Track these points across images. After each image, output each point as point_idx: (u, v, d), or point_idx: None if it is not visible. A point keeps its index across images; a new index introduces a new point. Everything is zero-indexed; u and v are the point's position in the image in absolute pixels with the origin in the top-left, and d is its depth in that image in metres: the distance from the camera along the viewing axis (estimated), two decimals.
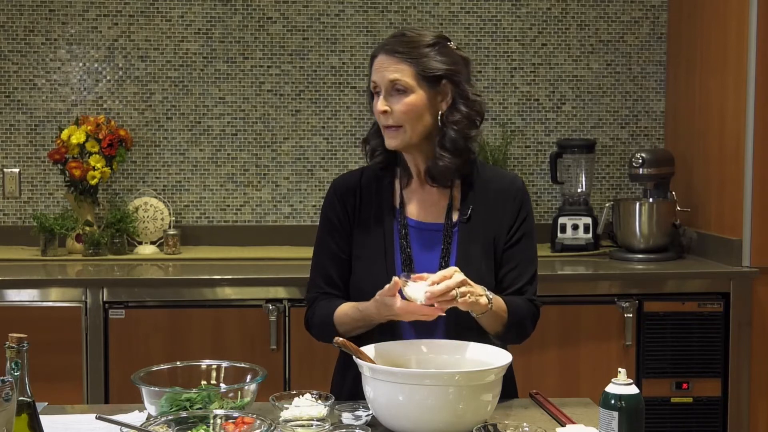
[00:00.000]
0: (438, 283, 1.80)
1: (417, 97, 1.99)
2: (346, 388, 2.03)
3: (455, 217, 2.06)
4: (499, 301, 1.94)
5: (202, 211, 3.83)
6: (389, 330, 1.98)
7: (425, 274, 1.85)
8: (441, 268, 1.99)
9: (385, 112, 1.98)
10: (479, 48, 3.87)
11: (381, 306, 1.90)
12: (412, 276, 1.85)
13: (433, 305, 1.83)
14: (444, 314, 1.89)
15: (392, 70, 1.98)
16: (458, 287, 1.82)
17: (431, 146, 2.03)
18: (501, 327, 1.98)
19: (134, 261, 3.50)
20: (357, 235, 2.08)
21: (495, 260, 2.04)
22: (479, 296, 1.86)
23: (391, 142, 2.01)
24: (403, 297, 1.84)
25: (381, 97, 1.99)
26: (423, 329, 1.98)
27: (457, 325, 1.97)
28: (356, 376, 1.84)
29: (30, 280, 3.15)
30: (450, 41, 2.05)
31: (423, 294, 1.81)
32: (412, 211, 2.09)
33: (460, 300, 1.82)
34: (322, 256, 2.11)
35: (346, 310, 2.02)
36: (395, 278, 1.86)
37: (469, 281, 1.85)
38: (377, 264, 2.04)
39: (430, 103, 2.00)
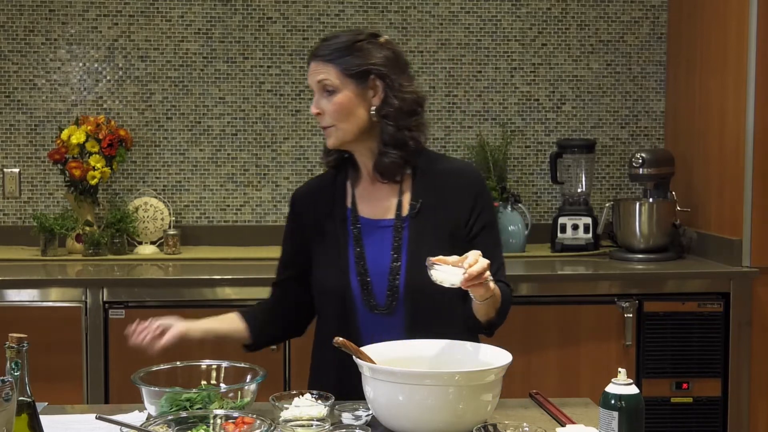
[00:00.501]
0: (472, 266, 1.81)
1: (344, 95, 2.04)
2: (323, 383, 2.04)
3: (406, 211, 2.08)
4: (497, 287, 1.96)
5: (202, 211, 3.83)
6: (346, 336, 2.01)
7: (442, 258, 1.84)
8: (392, 263, 2.04)
9: (317, 114, 2.06)
10: (479, 48, 3.87)
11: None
12: (431, 260, 1.84)
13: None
14: (391, 315, 2.00)
15: (319, 72, 2.06)
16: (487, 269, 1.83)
17: (375, 143, 2.07)
18: (495, 312, 2.00)
19: (134, 261, 3.50)
20: (314, 242, 2.13)
21: (460, 250, 2.01)
22: (491, 280, 1.89)
23: (328, 141, 2.08)
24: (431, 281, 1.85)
25: (315, 99, 2.08)
26: (382, 332, 2.00)
27: (414, 324, 2.01)
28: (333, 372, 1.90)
29: (30, 280, 3.15)
30: (380, 36, 2.09)
31: (458, 276, 1.79)
32: (365, 209, 2.12)
33: (488, 283, 1.85)
34: (281, 259, 2.24)
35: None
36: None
37: None
38: (332, 266, 2.09)
39: (359, 99, 2.05)
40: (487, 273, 1.83)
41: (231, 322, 2.18)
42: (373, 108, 2.05)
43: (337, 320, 2.07)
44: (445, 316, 2.04)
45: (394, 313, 2.04)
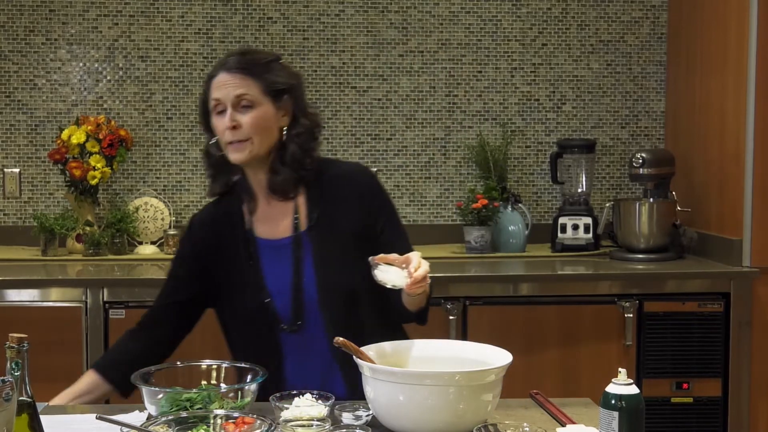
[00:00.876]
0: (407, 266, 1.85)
1: (263, 110, 2.05)
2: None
3: (303, 227, 2.09)
4: None
5: None
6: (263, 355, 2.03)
7: (387, 257, 1.87)
8: (293, 281, 2.05)
9: (234, 127, 2.03)
10: (479, 48, 3.88)
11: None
12: (375, 259, 1.87)
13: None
14: (298, 333, 2.03)
15: (238, 86, 2.04)
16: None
17: (270, 161, 2.08)
18: (425, 300, 2.01)
19: (134, 261, 3.50)
20: (217, 268, 2.13)
21: (367, 252, 2.03)
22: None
23: (237, 156, 2.05)
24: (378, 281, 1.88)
25: (228, 112, 2.03)
26: (302, 355, 2.05)
27: (334, 334, 1.98)
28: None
29: (30, 280, 3.15)
30: (281, 59, 2.13)
31: (402, 279, 1.83)
32: (263, 230, 2.12)
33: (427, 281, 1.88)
34: (166, 283, 2.22)
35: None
36: None
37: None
38: (237, 290, 2.10)
39: (274, 117, 2.06)
40: (428, 276, 1.86)
41: (87, 383, 2.14)
42: (285, 128, 2.07)
43: (250, 341, 2.10)
44: (364, 319, 2.06)
45: (303, 330, 2.05)
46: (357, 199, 2.11)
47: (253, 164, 2.08)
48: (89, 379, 2.14)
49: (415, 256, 1.86)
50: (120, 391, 2.12)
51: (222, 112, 2.05)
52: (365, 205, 2.11)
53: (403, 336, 2.07)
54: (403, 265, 1.86)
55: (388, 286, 1.86)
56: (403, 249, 2.00)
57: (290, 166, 2.07)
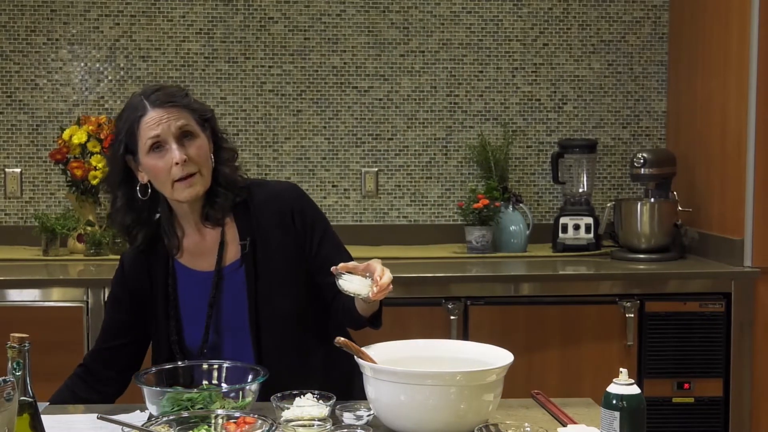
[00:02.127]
0: (374, 276, 1.83)
1: (203, 140, 2.02)
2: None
3: (234, 256, 2.06)
4: None
5: None
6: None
7: (347, 265, 1.86)
8: (210, 314, 2.03)
9: (186, 160, 1.96)
10: (481, 48, 3.88)
11: None
12: (337, 268, 1.86)
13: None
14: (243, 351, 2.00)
15: (176, 118, 1.98)
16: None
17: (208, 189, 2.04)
18: (378, 306, 1.98)
19: None
20: (146, 304, 2.10)
21: (303, 271, 2.04)
22: None
23: (190, 191, 1.99)
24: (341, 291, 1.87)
25: (174, 147, 1.96)
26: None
27: (264, 355, 2.01)
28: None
29: (32, 280, 3.15)
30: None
31: (367, 288, 1.82)
32: (191, 262, 2.09)
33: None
34: (110, 323, 2.17)
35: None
36: None
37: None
38: (157, 322, 2.08)
39: (209, 145, 2.04)
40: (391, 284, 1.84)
41: None
42: (212, 153, 2.05)
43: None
44: (304, 339, 2.05)
45: (233, 349, 2.03)
46: (288, 219, 2.08)
47: (196, 197, 2.03)
48: None
49: (377, 264, 1.84)
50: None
51: (160, 148, 1.97)
52: (298, 225, 2.08)
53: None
54: (366, 274, 1.84)
55: (353, 295, 1.86)
56: (343, 257, 1.99)
57: (227, 188, 2.05)
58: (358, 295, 1.84)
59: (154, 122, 1.97)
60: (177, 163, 1.95)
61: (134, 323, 2.13)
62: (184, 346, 2.07)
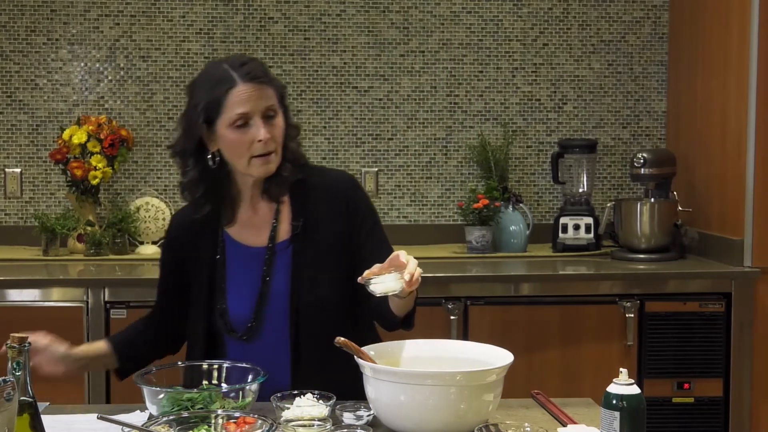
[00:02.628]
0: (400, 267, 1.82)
1: (281, 118, 2.03)
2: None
3: (285, 234, 2.06)
4: None
5: None
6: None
7: (372, 270, 1.84)
8: (261, 290, 2.02)
9: (269, 138, 1.98)
10: (481, 48, 3.88)
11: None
12: (363, 278, 1.84)
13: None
14: (278, 332, 1.99)
15: (264, 96, 1.99)
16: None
17: None
18: (413, 304, 1.98)
19: (136, 261, 3.50)
20: (189, 269, 2.10)
21: (347, 261, 2.03)
22: None
23: (267, 168, 2.01)
24: (372, 294, 1.85)
25: (260, 125, 1.97)
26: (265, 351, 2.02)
27: (299, 339, 2.01)
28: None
29: (32, 280, 3.15)
30: None
31: (398, 282, 1.80)
32: (241, 236, 2.10)
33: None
34: (163, 286, 2.18)
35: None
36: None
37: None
38: (201, 291, 2.08)
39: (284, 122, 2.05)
40: (419, 269, 1.83)
41: (99, 348, 2.13)
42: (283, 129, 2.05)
43: (205, 346, 2.07)
44: (334, 330, 1.99)
45: (258, 340, 2.03)
46: (341, 207, 2.08)
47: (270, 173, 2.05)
48: (101, 346, 2.12)
49: (399, 255, 1.83)
50: (121, 369, 2.11)
51: (244, 125, 1.97)
52: (350, 215, 2.08)
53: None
54: (392, 269, 1.83)
55: (390, 294, 1.84)
56: (386, 254, 1.98)
57: (293, 162, 2.06)
58: (392, 292, 1.83)
59: (245, 97, 1.96)
60: (260, 141, 1.97)
61: (182, 286, 2.12)
62: (227, 317, 2.05)
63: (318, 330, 2.01)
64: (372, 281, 1.83)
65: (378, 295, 1.84)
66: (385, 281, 1.83)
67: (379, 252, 2.00)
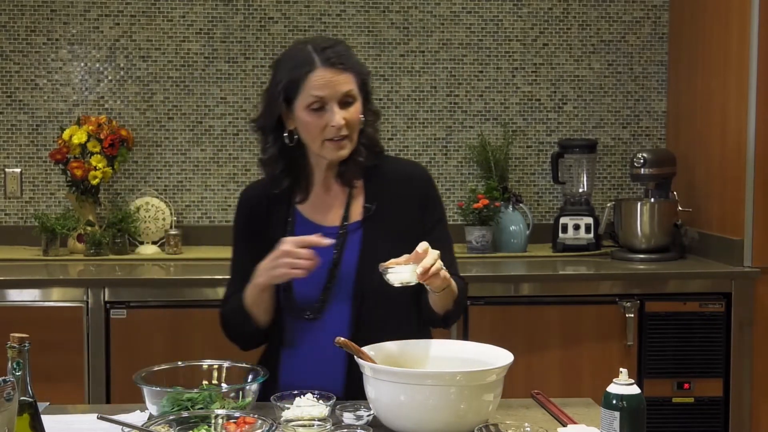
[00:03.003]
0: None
1: (359, 104, 2.04)
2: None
3: (356, 216, 2.07)
4: (451, 278, 1.97)
5: (204, 211, 3.83)
6: (298, 345, 2.01)
7: (392, 261, 1.86)
8: (330, 268, 2.01)
9: (343, 124, 1.98)
10: (481, 48, 3.88)
11: (266, 260, 1.95)
12: (383, 265, 1.86)
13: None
14: (340, 313, 1.97)
15: (343, 82, 1.99)
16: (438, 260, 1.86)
17: None
18: (452, 304, 2.00)
19: (136, 261, 3.51)
20: (263, 246, 2.08)
21: (412, 251, 2.03)
22: (445, 270, 1.90)
23: (340, 153, 2.02)
24: (389, 286, 1.86)
25: (336, 110, 1.98)
26: (321, 332, 2.00)
27: (361, 321, 2.00)
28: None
29: (32, 280, 3.15)
30: None
31: (412, 273, 1.82)
32: (312, 215, 2.10)
33: (441, 273, 1.85)
34: (238, 268, 2.14)
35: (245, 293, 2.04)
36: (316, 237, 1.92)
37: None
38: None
39: (361, 108, 2.05)
40: (440, 262, 1.85)
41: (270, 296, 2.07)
42: (362, 114, 2.05)
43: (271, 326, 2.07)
44: (392, 317, 2.03)
45: (322, 320, 2.02)
46: (415, 198, 2.09)
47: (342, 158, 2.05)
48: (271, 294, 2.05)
49: (421, 247, 1.84)
50: (263, 326, 2.06)
51: (319, 108, 1.99)
52: (422, 206, 2.09)
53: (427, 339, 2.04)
54: (411, 261, 1.85)
55: (402, 285, 1.85)
56: (446, 253, 2.01)
57: (369, 149, 2.06)
58: (407, 283, 1.84)
59: (323, 82, 1.97)
60: (334, 126, 1.98)
61: (251, 252, 2.09)
62: (292, 295, 2.04)
63: (379, 316, 2.01)
64: (390, 270, 1.85)
65: (396, 285, 1.85)
66: (401, 272, 1.84)
67: (440, 245, 2.00)
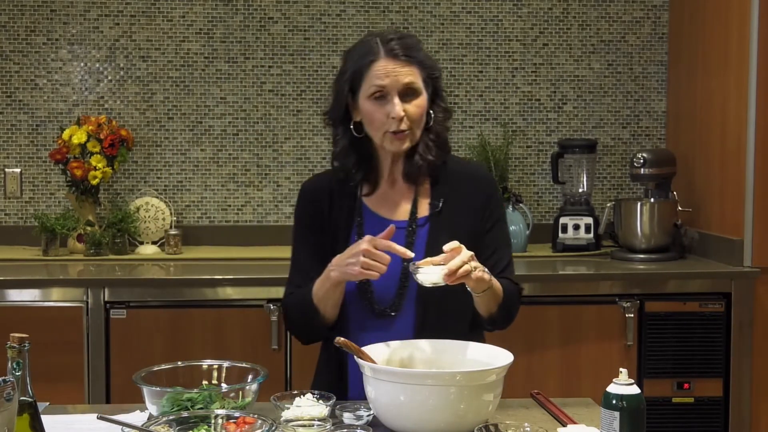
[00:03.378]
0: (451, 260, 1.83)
1: (424, 99, 2.03)
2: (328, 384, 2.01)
3: (423, 212, 2.07)
4: (495, 280, 1.96)
5: (204, 211, 3.83)
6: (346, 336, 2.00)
7: (427, 259, 1.86)
8: (403, 266, 2.01)
9: (403, 117, 1.98)
10: (480, 48, 3.87)
11: (342, 256, 1.93)
12: (416, 264, 1.86)
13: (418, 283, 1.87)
14: (404, 310, 1.94)
15: (405, 73, 1.99)
16: (470, 261, 1.84)
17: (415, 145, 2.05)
18: (496, 306, 2.00)
19: (135, 261, 3.51)
20: (326, 239, 2.09)
21: (473, 251, 2.03)
22: (483, 271, 1.89)
23: (399, 145, 2.02)
24: (416, 285, 1.88)
25: (396, 102, 1.98)
26: (389, 328, 1.99)
27: (425, 318, 1.99)
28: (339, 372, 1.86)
29: (31, 280, 3.15)
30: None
31: (440, 274, 1.82)
32: (378, 209, 2.10)
33: (473, 274, 1.84)
34: (300, 261, 2.13)
35: (314, 287, 2.02)
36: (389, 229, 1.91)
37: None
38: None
39: (427, 103, 2.04)
40: (473, 263, 1.84)
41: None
42: (431, 111, 2.05)
43: (338, 321, 2.06)
44: (452, 318, 2.03)
45: (398, 316, 2.01)
46: (479, 198, 2.09)
47: (404, 152, 2.05)
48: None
49: (451, 245, 1.84)
50: (329, 320, 2.04)
51: (381, 98, 1.99)
52: (486, 208, 2.09)
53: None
54: (442, 263, 1.85)
55: (430, 285, 1.85)
56: (501, 255, 2.02)
57: (439, 147, 2.06)
58: (433, 284, 1.84)
59: (384, 72, 1.98)
60: (394, 118, 1.98)
61: (313, 247, 2.09)
62: (371, 292, 2.03)
63: (442, 315, 2.00)
64: (420, 271, 1.85)
65: (426, 285, 1.85)
66: (430, 272, 1.84)
67: (496, 246, 2.02)
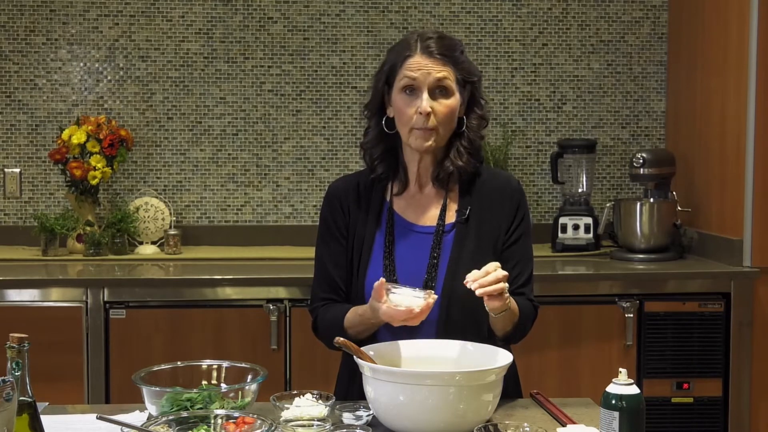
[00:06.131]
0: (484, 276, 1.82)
1: (456, 100, 2.02)
2: (352, 395, 2.01)
3: (450, 219, 2.07)
4: (512, 301, 1.95)
5: (203, 211, 3.83)
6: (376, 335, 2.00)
7: (475, 271, 1.85)
8: (429, 270, 2.01)
9: (429, 113, 1.98)
10: (480, 48, 3.88)
11: (373, 309, 1.92)
12: (389, 287, 1.86)
13: (406, 312, 1.85)
14: (428, 318, 1.90)
15: (438, 70, 1.99)
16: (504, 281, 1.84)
17: (443, 149, 2.05)
18: (511, 326, 1.99)
19: (135, 261, 3.50)
20: (350, 242, 2.09)
21: (497, 260, 2.03)
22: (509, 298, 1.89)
23: (422, 143, 2.01)
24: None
25: (424, 96, 1.98)
26: (414, 334, 1.97)
27: (447, 325, 1.99)
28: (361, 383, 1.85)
29: (31, 280, 3.15)
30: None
31: (415, 299, 1.83)
32: (405, 212, 2.09)
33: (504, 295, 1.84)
34: (324, 262, 2.12)
35: (349, 315, 2.02)
36: (378, 282, 1.88)
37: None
38: (366, 265, 2.05)
39: (459, 107, 2.04)
40: (504, 285, 1.83)
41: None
42: (463, 116, 2.05)
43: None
44: (475, 326, 2.01)
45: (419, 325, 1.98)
46: (509, 206, 2.08)
47: (430, 151, 2.04)
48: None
49: (489, 267, 1.83)
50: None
51: (412, 92, 2.00)
52: (513, 214, 2.08)
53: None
54: (417, 288, 1.86)
55: (397, 307, 1.85)
56: (523, 270, 2.03)
57: (471, 154, 2.05)
58: (403, 308, 1.83)
59: (416, 66, 2.00)
60: (421, 113, 1.98)
61: (338, 251, 2.08)
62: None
63: (464, 319, 1.99)
64: (392, 291, 1.85)
65: (400, 308, 1.84)
66: (404, 295, 1.85)
67: (519, 260, 2.03)
